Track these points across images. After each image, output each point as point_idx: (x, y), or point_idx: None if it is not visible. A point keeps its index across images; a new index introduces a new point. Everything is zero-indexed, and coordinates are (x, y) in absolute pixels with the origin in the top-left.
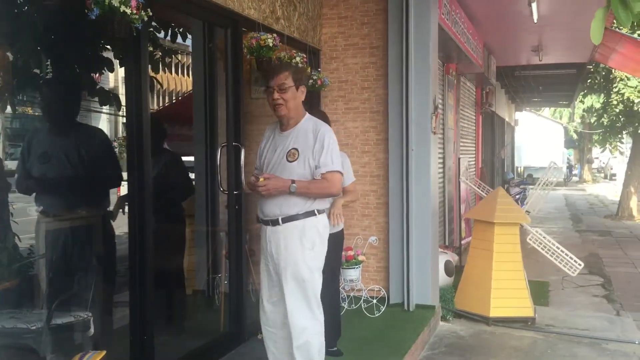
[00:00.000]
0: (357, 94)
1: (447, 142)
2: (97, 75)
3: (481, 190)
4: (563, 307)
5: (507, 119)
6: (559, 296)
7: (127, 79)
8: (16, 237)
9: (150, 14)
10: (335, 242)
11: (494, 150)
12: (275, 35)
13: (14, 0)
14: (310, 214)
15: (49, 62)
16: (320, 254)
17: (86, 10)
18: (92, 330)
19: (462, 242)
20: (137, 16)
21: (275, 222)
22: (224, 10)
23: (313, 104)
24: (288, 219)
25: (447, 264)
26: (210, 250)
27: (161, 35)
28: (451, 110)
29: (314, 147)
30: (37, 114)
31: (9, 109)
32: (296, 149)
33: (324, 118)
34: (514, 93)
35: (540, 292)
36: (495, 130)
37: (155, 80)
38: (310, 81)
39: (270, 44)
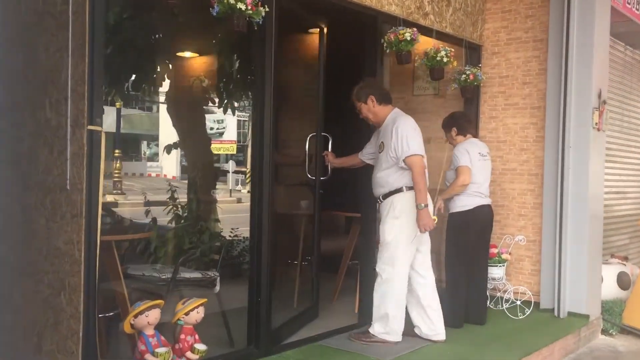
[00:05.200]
0: (517, 89)
1: None
2: None
3: None
4: None
5: None
6: None
7: (254, 70)
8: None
9: (267, 9)
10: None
11: None
12: (414, 29)
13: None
14: (398, 190)
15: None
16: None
17: (210, 8)
18: (217, 288)
19: None
20: (251, 11)
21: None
22: (361, 7)
23: (468, 100)
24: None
25: (622, 275)
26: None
27: None
28: None
29: (392, 140)
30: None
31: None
32: (383, 142)
33: (463, 117)
34: None
35: None
36: None
37: None
38: (463, 76)
39: (408, 38)
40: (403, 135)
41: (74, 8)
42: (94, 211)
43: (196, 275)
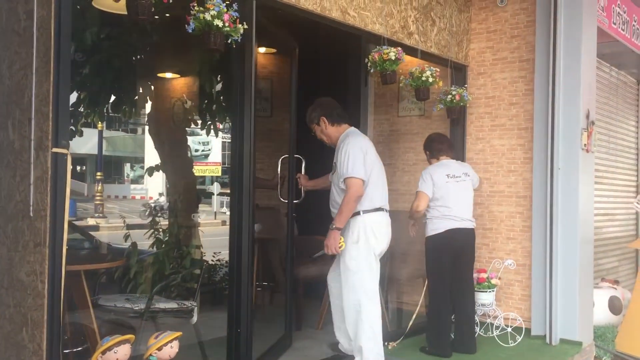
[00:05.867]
0: (504, 110)
1: None
2: None
3: None
4: None
5: None
6: None
7: (234, 87)
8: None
9: (247, 27)
10: (432, 245)
11: None
12: (399, 48)
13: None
14: (355, 213)
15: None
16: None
17: (186, 25)
18: (195, 318)
19: None
20: (229, 28)
21: None
22: (344, 26)
23: (455, 121)
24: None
25: (613, 300)
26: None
27: None
28: None
29: (339, 161)
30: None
31: None
32: (335, 163)
33: (436, 140)
34: None
35: None
36: None
37: None
38: (449, 96)
39: (393, 57)
40: (346, 155)
41: (38, 24)
42: (58, 240)
43: (172, 305)
